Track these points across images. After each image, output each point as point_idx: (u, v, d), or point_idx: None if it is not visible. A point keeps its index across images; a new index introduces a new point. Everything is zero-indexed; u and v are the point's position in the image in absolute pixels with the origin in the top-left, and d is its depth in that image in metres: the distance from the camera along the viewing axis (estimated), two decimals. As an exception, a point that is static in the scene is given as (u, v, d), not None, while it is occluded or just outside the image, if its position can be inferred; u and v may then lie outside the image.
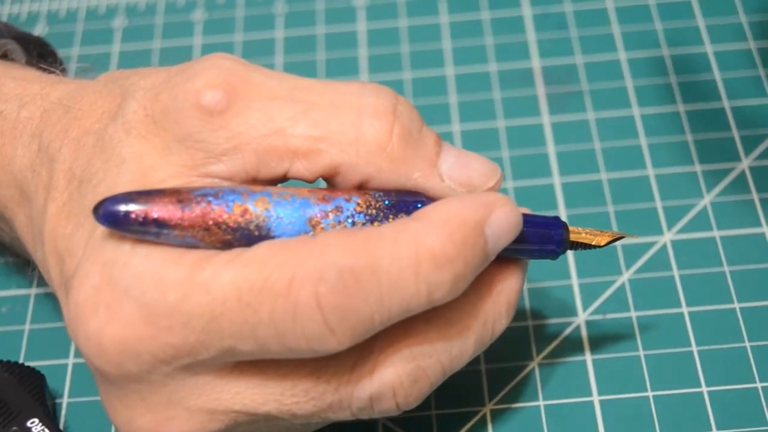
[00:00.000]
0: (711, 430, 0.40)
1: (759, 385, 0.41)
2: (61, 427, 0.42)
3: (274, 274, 0.32)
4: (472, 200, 0.34)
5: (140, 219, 0.33)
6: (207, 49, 0.55)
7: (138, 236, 0.33)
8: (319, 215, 0.34)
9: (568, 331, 0.43)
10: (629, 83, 0.52)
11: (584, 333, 0.43)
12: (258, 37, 0.56)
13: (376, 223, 0.35)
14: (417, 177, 0.35)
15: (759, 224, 0.46)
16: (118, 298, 0.33)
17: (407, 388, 0.35)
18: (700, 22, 0.54)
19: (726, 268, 0.44)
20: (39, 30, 0.57)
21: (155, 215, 0.33)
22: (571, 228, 0.38)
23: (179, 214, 0.33)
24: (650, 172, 0.48)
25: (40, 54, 0.44)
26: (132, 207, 0.33)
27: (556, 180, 0.48)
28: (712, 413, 0.40)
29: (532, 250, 0.37)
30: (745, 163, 0.48)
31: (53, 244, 0.35)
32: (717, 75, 0.51)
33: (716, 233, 0.46)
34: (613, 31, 0.54)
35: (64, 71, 0.44)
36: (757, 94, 0.51)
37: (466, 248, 0.33)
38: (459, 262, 0.33)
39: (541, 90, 0.52)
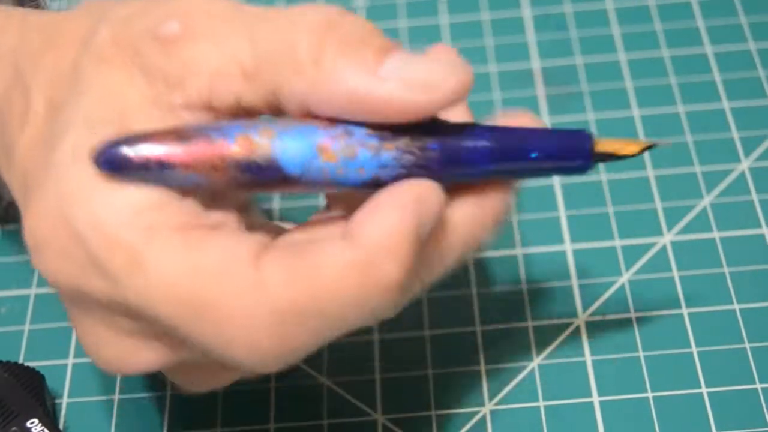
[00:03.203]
0: (711, 431, 0.40)
1: (759, 386, 0.41)
2: (61, 427, 0.42)
3: (213, 300, 0.31)
4: (402, 205, 0.32)
5: (142, 161, 0.32)
6: (207, 50, 0.55)
7: (141, 179, 0.32)
8: (327, 141, 0.33)
9: (567, 331, 0.43)
10: (629, 84, 0.52)
11: (584, 334, 0.43)
12: (258, 38, 0.56)
13: (387, 145, 0.33)
14: (353, 83, 0.32)
15: (759, 225, 0.46)
16: (69, 240, 0.32)
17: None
18: (700, 23, 0.54)
19: (726, 269, 0.44)
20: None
21: (158, 154, 0.32)
22: (598, 139, 0.35)
23: (181, 150, 0.32)
24: (650, 173, 0.48)
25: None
26: (132, 149, 0.32)
27: (556, 181, 0.48)
28: (711, 414, 0.40)
29: (559, 167, 0.35)
30: (744, 164, 0.48)
31: (21, 165, 0.35)
32: (717, 75, 0.51)
33: (716, 234, 0.46)
34: (613, 32, 0.54)
35: None
36: (757, 94, 0.51)
37: (409, 262, 0.32)
38: (403, 281, 0.32)
39: (540, 91, 0.52)
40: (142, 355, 0.34)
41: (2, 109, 0.37)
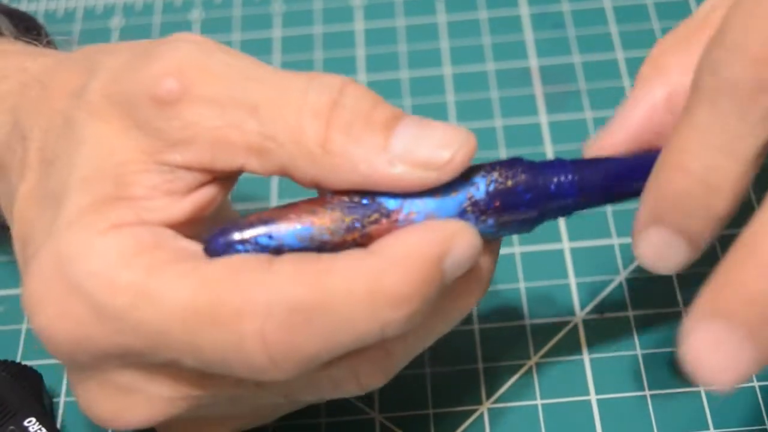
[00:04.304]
0: (709, 429, 0.40)
1: (756, 384, 0.41)
2: (58, 426, 0.42)
3: (222, 302, 0.31)
4: (431, 232, 0.33)
5: (250, 235, 0.33)
6: (204, 49, 0.55)
7: (254, 248, 0.33)
8: None
9: (565, 330, 0.43)
10: (627, 82, 0.52)
11: (582, 332, 0.43)
12: (255, 37, 0.56)
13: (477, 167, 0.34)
14: (363, 169, 0.33)
15: (756, 223, 0.46)
16: (69, 294, 0.32)
17: (370, 370, 0.34)
18: (698, 22, 0.54)
19: (723, 268, 0.44)
20: (36, 29, 0.57)
21: (265, 226, 0.33)
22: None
23: (282, 212, 0.33)
24: (648, 171, 0.48)
25: (27, 27, 0.44)
26: (240, 234, 0.33)
27: (554, 179, 0.48)
28: (709, 412, 0.40)
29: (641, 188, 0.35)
30: (742, 163, 0.48)
31: (19, 226, 0.35)
32: (714, 74, 0.51)
33: (714, 232, 0.46)
34: (610, 31, 0.54)
35: (50, 44, 0.44)
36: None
37: (423, 286, 0.32)
38: (415, 300, 0.32)
39: (538, 89, 0.52)
40: (134, 413, 0.34)
41: (4, 157, 0.37)
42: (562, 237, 0.46)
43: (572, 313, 0.44)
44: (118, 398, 0.34)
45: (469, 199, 0.34)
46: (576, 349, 0.43)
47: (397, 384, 0.42)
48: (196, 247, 0.33)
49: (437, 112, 0.51)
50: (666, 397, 0.41)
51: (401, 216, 0.33)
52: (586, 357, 0.42)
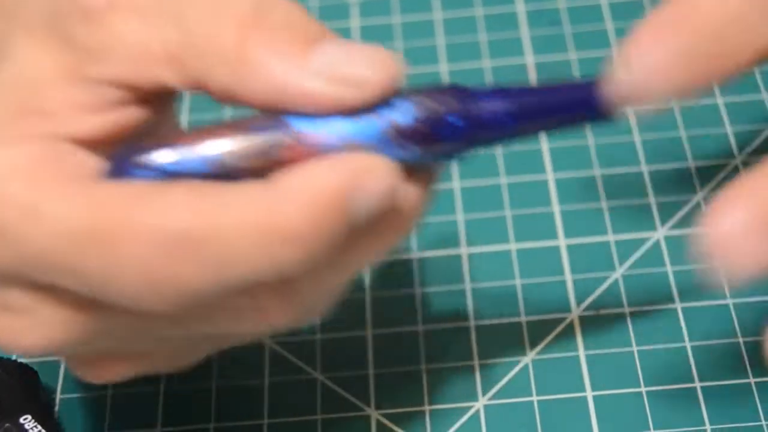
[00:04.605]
0: (704, 425, 0.40)
1: (752, 380, 0.41)
2: (55, 423, 0.42)
3: (105, 225, 0.30)
4: (337, 166, 0.31)
5: (155, 156, 0.32)
6: (201, 46, 0.55)
7: (157, 171, 0.32)
8: None
9: (561, 326, 0.43)
10: (623, 79, 0.52)
11: (578, 329, 0.43)
12: (252, 34, 0.56)
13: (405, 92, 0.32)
14: (278, 79, 0.31)
15: (752, 220, 0.46)
16: None
17: (277, 305, 0.33)
18: (694, 19, 0.54)
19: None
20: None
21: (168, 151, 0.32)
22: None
23: (188, 134, 0.32)
24: (644, 168, 0.48)
25: None
26: (143, 154, 0.32)
27: (550, 176, 0.48)
28: (705, 409, 0.40)
29: (577, 117, 0.34)
30: (738, 160, 0.48)
31: None
32: (710, 71, 0.51)
33: (710, 229, 0.46)
34: (606, 28, 0.54)
35: None
36: (751, 89, 0.51)
37: (321, 224, 0.30)
38: (311, 238, 0.30)
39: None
40: (27, 335, 0.33)
41: None
42: (558, 234, 0.46)
43: (568, 309, 0.44)
44: (8, 319, 0.33)
45: (393, 125, 0.32)
46: (572, 346, 0.43)
47: (392, 381, 0.42)
48: (99, 168, 0.32)
49: (433, 109, 0.51)
50: (662, 393, 0.41)
51: (316, 140, 0.31)
52: (582, 353, 0.42)
